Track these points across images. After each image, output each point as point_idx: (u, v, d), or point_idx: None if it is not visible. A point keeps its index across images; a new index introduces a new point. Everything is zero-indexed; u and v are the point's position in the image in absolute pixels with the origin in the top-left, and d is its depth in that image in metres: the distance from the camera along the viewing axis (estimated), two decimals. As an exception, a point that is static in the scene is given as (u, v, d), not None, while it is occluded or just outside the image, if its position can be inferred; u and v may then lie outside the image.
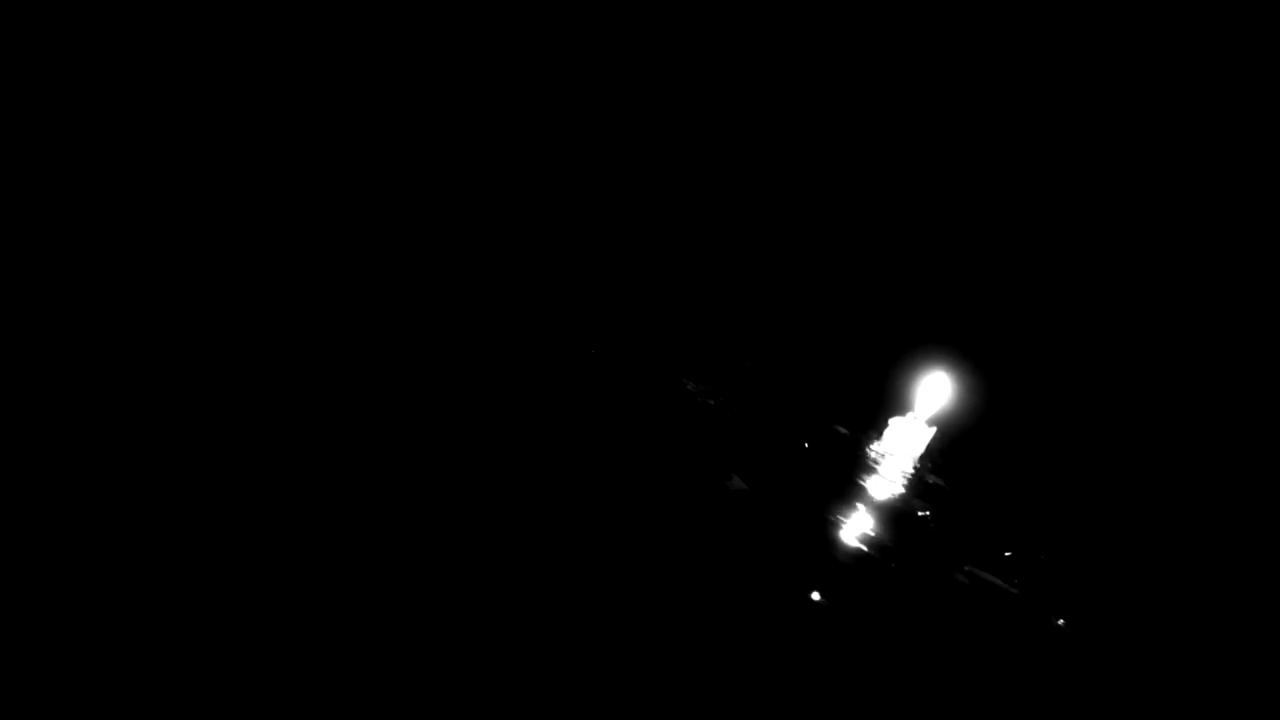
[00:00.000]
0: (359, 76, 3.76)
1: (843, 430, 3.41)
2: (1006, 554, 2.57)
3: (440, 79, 3.96)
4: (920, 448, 3.96)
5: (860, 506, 2.58)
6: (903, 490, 3.17)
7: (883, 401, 4.13)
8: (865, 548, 2.09)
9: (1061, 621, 2.21)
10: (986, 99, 4.29)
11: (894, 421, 4.04)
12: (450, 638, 1.07)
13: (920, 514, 2.72)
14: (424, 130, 3.92)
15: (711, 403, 2.83)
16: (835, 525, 2.22)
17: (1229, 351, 4.08)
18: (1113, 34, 4.19)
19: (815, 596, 1.60)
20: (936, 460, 3.85)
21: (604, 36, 4.25)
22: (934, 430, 4.13)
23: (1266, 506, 3.82)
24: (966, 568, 2.35)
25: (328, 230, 2.83)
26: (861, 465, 3.37)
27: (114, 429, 1.29)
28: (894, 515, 2.64)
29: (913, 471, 3.72)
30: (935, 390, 4.02)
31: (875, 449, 3.83)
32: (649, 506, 1.76)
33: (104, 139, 2.51)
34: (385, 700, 0.96)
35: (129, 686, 0.83)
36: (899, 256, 4.63)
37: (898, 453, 3.94)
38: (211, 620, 0.96)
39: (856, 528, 2.26)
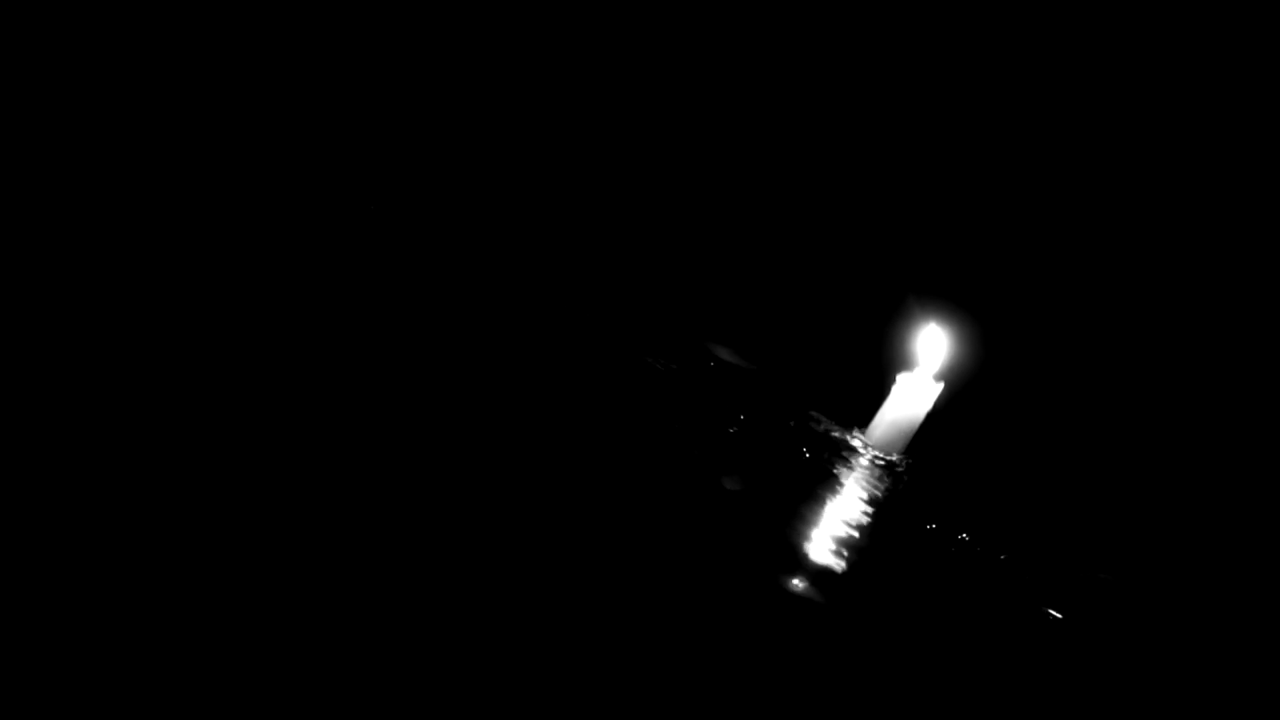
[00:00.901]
0: (354, 75, 3.69)
1: (835, 434, 3.29)
2: (1002, 556, 2.50)
3: (385, 77, 3.85)
4: (928, 405, 3.81)
5: (856, 496, 2.49)
6: (894, 469, 3.09)
7: (884, 363, 4.01)
8: (852, 532, 2.01)
9: (1058, 614, 2.16)
10: (948, 49, 4.10)
11: (900, 378, 3.85)
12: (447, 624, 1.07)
13: (922, 516, 2.64)
14: (398, 127, 3.79)
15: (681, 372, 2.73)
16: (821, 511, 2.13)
17: (1235, 322, 3.92)
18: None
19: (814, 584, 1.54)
20: (940, 426, 3.72)
21: (551, 30, 4.11)
22: (941, 385, 3.95)
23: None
24: (952, 549, 2.28)
25: (318, 226, 2.80)
26: (847, 451, 3.25)
27: (111, 427, 1.25)
28: (885, 501, 2.55)
29: (906, 454, 3.63)
30: (938, 344, 3.82)
31: (866, 436, 3.69)
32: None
33: (103, 138, 2.51)
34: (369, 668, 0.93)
35: (128, 686, 0.81)
36: (881, 206, 4.48)
37: (897, 424, 3.79)
38: (210, 619, 0.94)
39: (849, 516, 2.18)
